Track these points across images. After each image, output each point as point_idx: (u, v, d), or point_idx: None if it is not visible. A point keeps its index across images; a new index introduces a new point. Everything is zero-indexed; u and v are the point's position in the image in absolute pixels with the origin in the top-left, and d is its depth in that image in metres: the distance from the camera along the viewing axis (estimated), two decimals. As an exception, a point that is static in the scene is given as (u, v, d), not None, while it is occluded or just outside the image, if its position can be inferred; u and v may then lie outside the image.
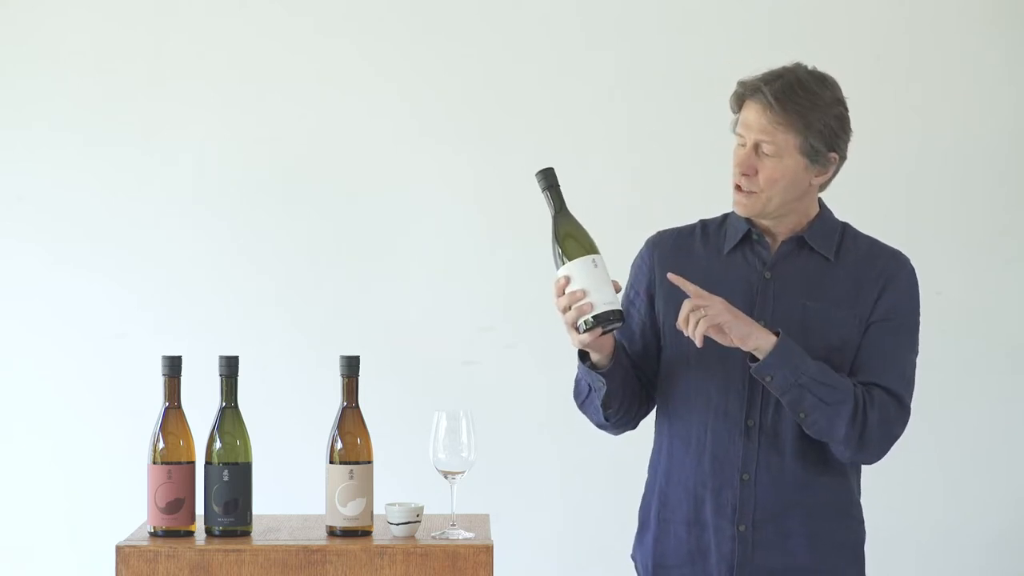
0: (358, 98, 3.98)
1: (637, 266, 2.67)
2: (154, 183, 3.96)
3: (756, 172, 2.51)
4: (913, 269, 2.60)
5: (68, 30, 3.97)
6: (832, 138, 2.54)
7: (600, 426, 2.66)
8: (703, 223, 2.68)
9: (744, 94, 2.54)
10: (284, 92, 3.98)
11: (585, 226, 2.47)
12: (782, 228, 2.59)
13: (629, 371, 2.58)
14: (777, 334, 2.46)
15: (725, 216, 2.67)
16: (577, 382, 2.63)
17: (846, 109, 2.57)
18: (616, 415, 2.60)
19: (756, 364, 2.46)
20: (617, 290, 2.44)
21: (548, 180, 2.50)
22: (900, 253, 2.61)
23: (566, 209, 2.48)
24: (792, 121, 2.49)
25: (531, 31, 3.99)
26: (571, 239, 2.45)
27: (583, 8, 3.99)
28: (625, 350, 2.60)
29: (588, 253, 2.44)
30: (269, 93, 3.97)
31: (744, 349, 2.46)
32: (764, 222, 2.59)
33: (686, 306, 2.44)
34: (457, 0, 3.99)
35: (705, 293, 2.45)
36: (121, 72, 3.97)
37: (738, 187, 2.54)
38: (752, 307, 2.55)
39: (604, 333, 2.45)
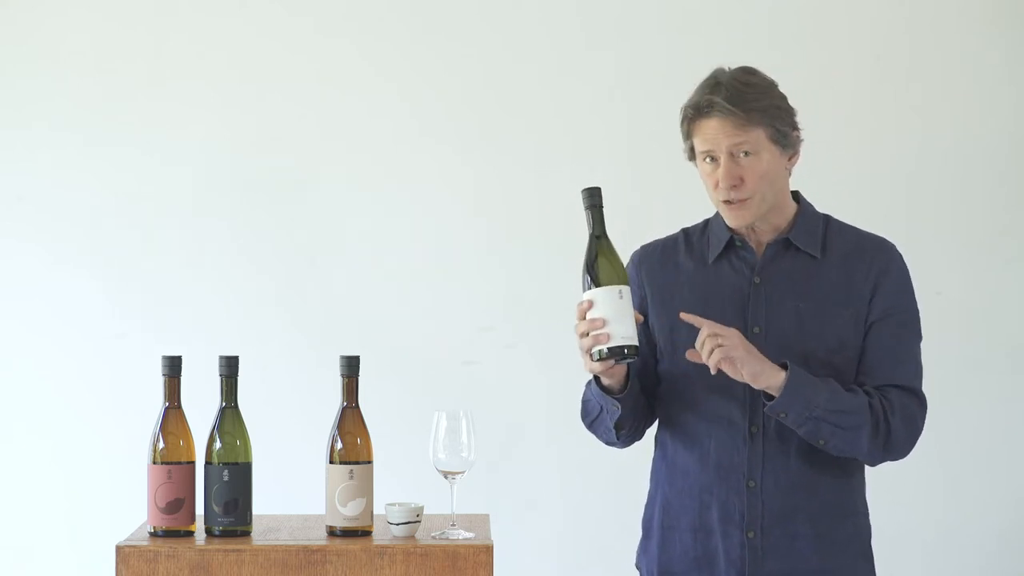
0: (358, 98, 3.98)
1: None
2: (154, 183, 3.97)
3: (742, 179, 2.51)
4: (901, 256, 2.59)
5: (68, 30, 3.97)
6: (788, 116, 2.55)
7: (610, 444, 2.67)
8: (685, 232, 2.67)
9: (696, 115, 2.54)
10: (284, 92, 3.98)
11: (620, 254, 2.45)
12: (765, 230, 2.59)
13: (640, 394, 2.59)
14: (784, 366, 2.46)
15: (707, 222, 2.67)
16: (585, 403, 2.64)
17: (777, 84, 2.58)
18: (627, 434, 2.62)
19: (769, 404, 2.46)
20: (638, 322, 2.44)
21: (593, 199, 2.47)
22: (886, 242, 2.61)
23: (605, 233, 2.46)
24: (754, 117, 2.50)
25: (531, 31, 3.99)
26: (602, 264, 2.43)
27: (583, 8, 3.99)
28: (637, 373, 2.59)
29: (617, 283, 2.42)
30: (269, 93, 3.98)
31: (754, 387, 2.46)
32: (744, 231, 2.59)
33: (704, 332, 2.43)
34: (457, 0, 3.99)
35: (719, 325, 2.44)
36: (121, 72, 3.97)
37: (727, 202, 2.53)
38: (745, 314, 2.54)
39: (616, 364, 2.45)
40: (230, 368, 2.56)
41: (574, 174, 3.95)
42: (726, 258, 2.60)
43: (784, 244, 2.58)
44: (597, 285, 2.42)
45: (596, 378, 2.52)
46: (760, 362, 2.44)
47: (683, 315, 2.49)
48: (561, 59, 3.98)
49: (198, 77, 3.97)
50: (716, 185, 2.53)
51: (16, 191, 3.97)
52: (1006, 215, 3.97)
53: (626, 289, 2.42)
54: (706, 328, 2.44)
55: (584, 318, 2.42)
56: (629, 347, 2.40)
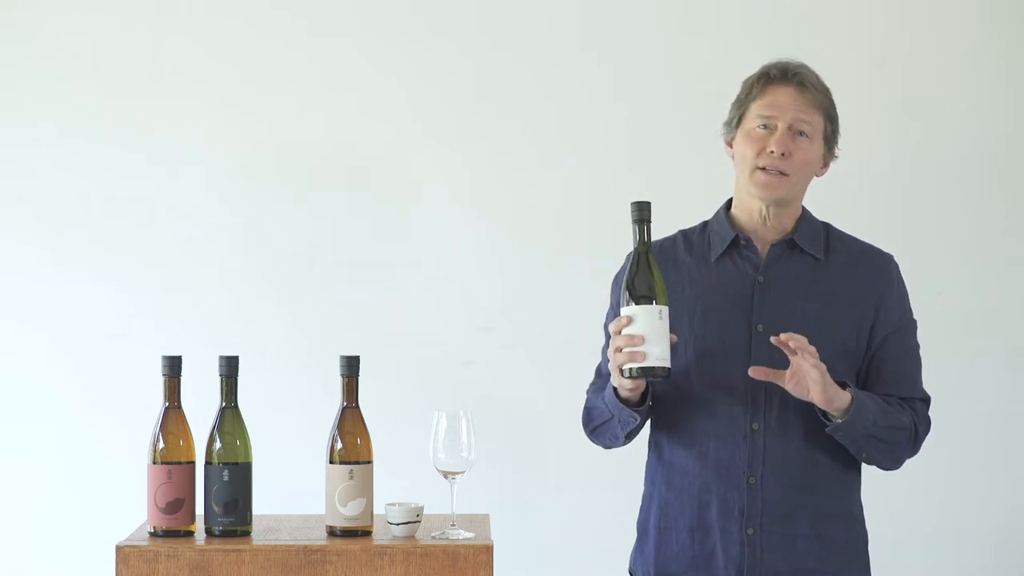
0: (359, 99, 3.98)
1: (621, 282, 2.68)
2: (154, 183, 3.97)
3: (791, 154, 2.52)
4: (898, 265, 2.64)
5: (68, 30, 3.97)
6: (838, 126, 2.60)
7: (608, 448, 2.68)
8: (683, 233, 2.68)
9: (779, 76, 2.55)
10: (284, 92, 3.98)
11: (663, 275, 2.44)
12: (772, 228, 2.60)
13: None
14: (844, 385, 2.47)
15: (704, 224, 2.67)
16: (591, 409, 2.64)
17: None
18: (631, 440, 2.63)
19: (832, 424, 2.47)
20: (673, 343, 2.43)
21: (642, 213, 2.45)
22: (885, 252, 2.64)
23: (650, 249, 2.45)
24: (824, 105, 2.56)
25: (531, 32, 3.99)
26: (647, 282, 2.42)
27: (583, 9, 3.99)
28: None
29: (659, 303, 2.41)
30: (269, 93, 3.98)
31: (822, 407, 2.46)
32: (750, 227, 2.59)
33: (805, 342, 2.41)
34: (459, 1, 3.99)
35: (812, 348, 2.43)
36: (121, 72, 3.97)
37: (763, 169, 2.53)
38: (749, 313, 2.55)
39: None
40: (230, 368, 2.57)
41: (573, 175, 3.96)
42: (729, 257, 2.60)
43: (789, 244, 2.59)
44: (638, 302, 2.41)
45: (614, 388, 2.52)
46: (832, 384, 2.44)
47: (753, 371, 2.46)
48: (561, 60, 3.98)
49: (198, 77, 3.97)
50: (760, 151, 2.53)
51: (16, 191, 3.97)
52: (1006, 216, 3.97)
53: (666, 310, 2.41)
54: (804, 343, 2.41)
55: (620, 333, 2.41)
56: (661, 368, 2.40)
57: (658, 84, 3.95)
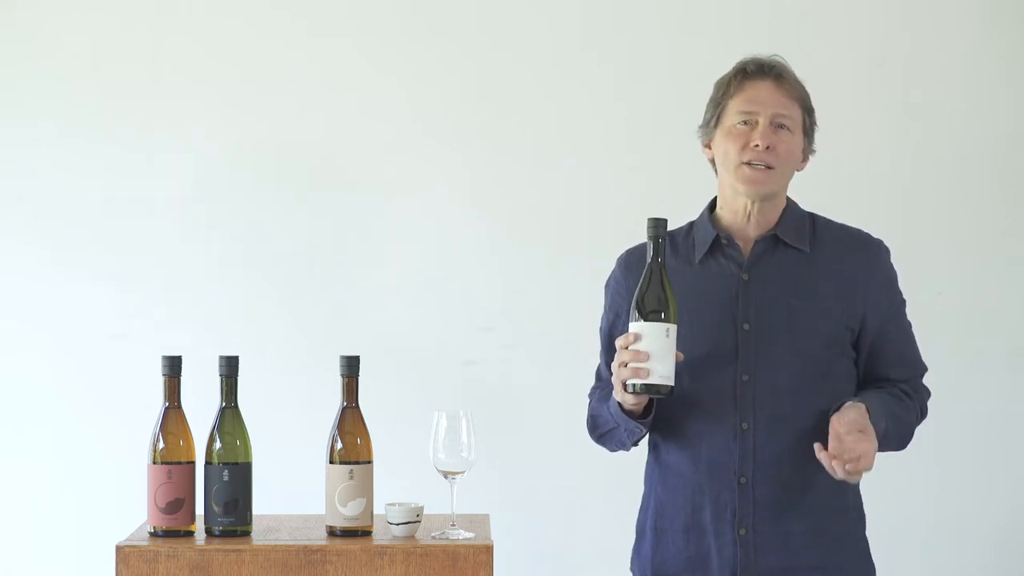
0: (359, 99, 3.98)
1: (614, 288, 2.68)
2: (154, 183, 3.96)
3: (774, 147, 2.53)
4: (888, 250, 2.63)
5: (68, 30, 3.97)
6: (815, 122, 2.61)
7: (614, 451, 2.69)
8: (670, 235, 2.67)
9: (757, 72, 2.55)
10: (284, 92, 3.97)
11: (674, 293, 2.44)
12: (757, 224, 2.59)
13: None
14: (867, 408, 2.47)
15: (691, 225, 2.67)
16: (596, 417, 2.64)
17: None
18: (637, 445, 2.64)
19: None
20: (678, 361, 2.44)
21: (657, 231, 2.47)
22: (872, 238, 2.64)
23: (662, 267, 2.46)
24: (802, 97, 2.57)
25: (531, 32, 3.99)
26: (656, 300, 2.43)
27: (583, 9, 3.98)
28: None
29: (667, 321, 2.42)
30: (269, 93, 3.97)
31: None
32: (735, 226, 2.60)
33: (846, 448, 2.41)
34: (459, 1, 3.99)
35: (854, 438, 2.42)
36: (121, 72, 3.97)
37: (748, 164, 2.53)
38: (734, 311, 2.55)
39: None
40: (230, 368, 2.57)
41: (573, 175, 3.96)
42: (712, 257, 2.60)
43: (772, 240, 2.58)
44: (646, 319, 2.42)
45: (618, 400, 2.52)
46: (873, 435, 2.44)
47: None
48: (560, 60, 3.98)
49: (198, 77, 3.97)
50: (744, 145, 2.53)
51: (16, 191, 3.97)
52: (1006, 216, 3.97)
53: (673, 328, 2.42)
54: (846, 449, 2.42)
55: (627, 349, 2.42)
56: (665, 387, 2.42)
57: (658, 84, 3.95)
